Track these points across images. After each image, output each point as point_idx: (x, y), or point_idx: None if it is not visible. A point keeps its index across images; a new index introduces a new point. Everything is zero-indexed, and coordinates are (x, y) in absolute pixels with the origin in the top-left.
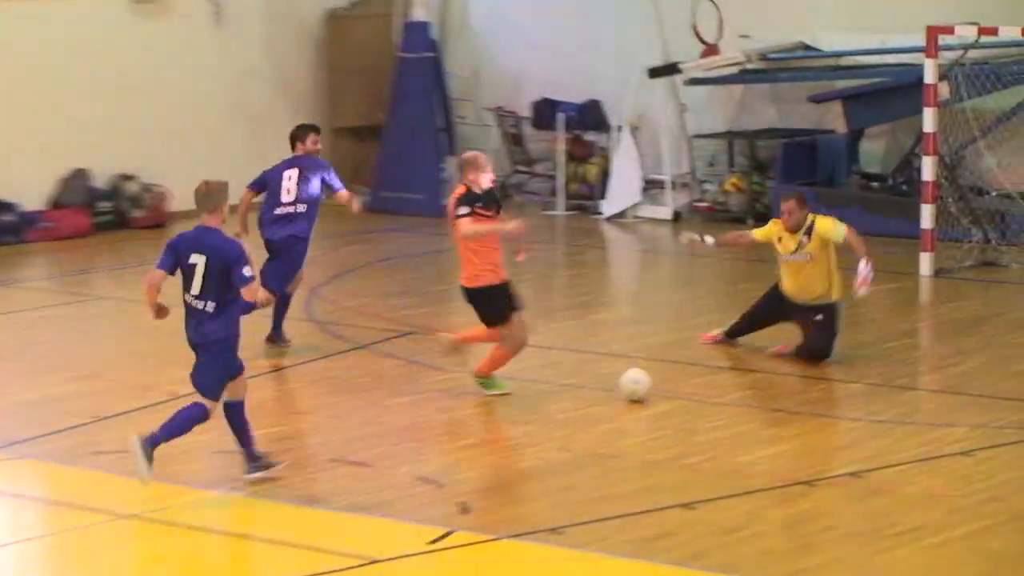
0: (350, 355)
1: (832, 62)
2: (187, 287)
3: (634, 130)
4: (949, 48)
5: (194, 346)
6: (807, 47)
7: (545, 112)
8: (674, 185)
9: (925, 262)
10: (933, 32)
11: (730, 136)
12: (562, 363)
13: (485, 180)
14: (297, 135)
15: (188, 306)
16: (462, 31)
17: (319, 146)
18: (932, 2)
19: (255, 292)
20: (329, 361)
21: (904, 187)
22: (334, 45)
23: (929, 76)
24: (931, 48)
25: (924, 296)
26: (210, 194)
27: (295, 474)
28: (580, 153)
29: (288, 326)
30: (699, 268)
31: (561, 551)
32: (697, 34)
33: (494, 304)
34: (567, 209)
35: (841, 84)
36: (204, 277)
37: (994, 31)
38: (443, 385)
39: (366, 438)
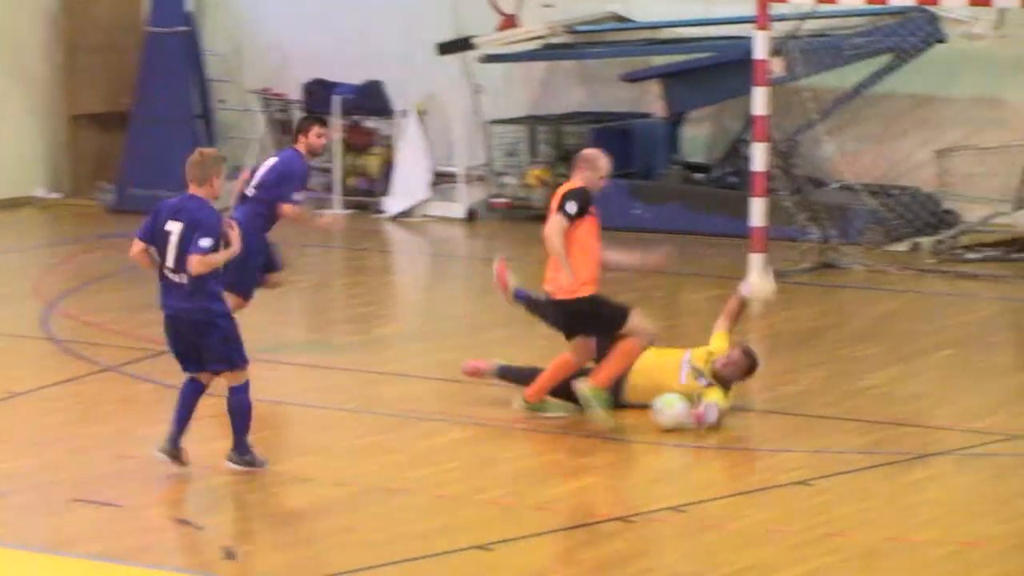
0: (94, 378)
1: (649, 35)
2: (163, 258)
3: (421, 115)
4: (783, 18)
5: (176, 325)
6: (620, 18)
7: (318, 95)
8: (468, 179)
9: (756, 264)
10: (763, 2)
11: (532, 121)
12: (341, 385)
13: (600, 184)
14: (299, 127)
15: (165, 280)
16: (221, 3)
17: (323, 140)
18: None
19: (204, 264)
20: (70, 385)
21: (731, 179)
22: (72, 19)
23: (760, 51)
24: (762, 18)
25: (754, 303)
26: (202, 163)
27: (34, 517)
28: (359, 143)
29: (20, 345)
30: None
31: None
32: (493, 3)
33: (604, 308)
34: (345, 207)
35: (659, 60)
36: (178, 246)
37: (833, 0)
38: (205, 412)
39: (114, 475)
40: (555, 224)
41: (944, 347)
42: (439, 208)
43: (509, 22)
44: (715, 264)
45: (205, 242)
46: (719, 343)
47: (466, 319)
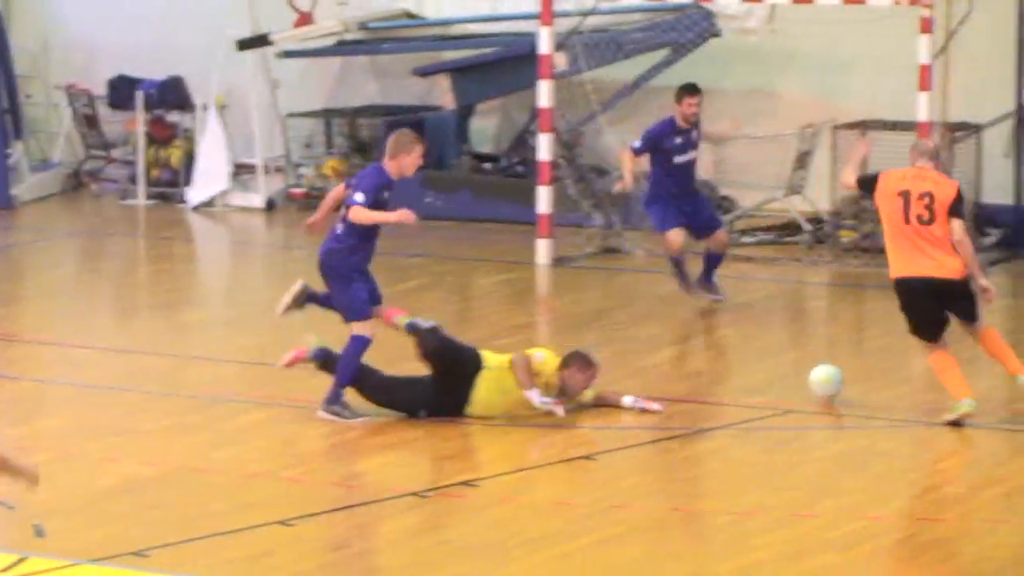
0: None
1: (439, 31)
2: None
3: (221, 109)
4: (566, 14)
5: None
6: (411, 15)
7: (122, 90)
8: (267, 170)
9: (542, 250)
10: None
11: (328, 115)
12: (148, 369)
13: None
14: None
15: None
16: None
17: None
18: None
19: (357, 215)
20: None
21: (519, 168)
22: None
23: (544, 45)
24: (546, 14)
25: (541, 287)
26: (394, 140)
27: None
28: (161, 135)
29: None
30: (295, 263)
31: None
32: (290, 1)
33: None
34: (149, 198)
35: (449, 55)
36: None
37: None
38: (15, 395)
39: None
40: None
41: (721, 327)
42: (239, 198)
43: (305, 19)
44: (504, 249)
45: (359, 196)
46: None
47: (266, 305)
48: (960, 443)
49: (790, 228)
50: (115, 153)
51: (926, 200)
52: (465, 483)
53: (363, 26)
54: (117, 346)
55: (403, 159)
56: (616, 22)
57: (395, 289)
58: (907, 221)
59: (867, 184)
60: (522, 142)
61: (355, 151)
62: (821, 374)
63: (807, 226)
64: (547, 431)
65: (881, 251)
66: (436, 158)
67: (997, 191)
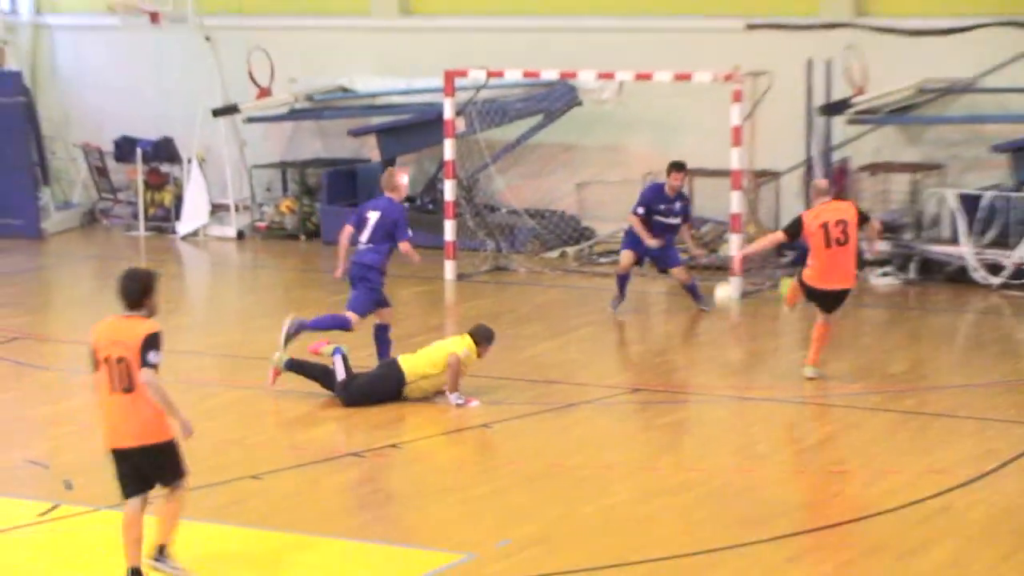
0: None
1: (368, 101)
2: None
3: (201, 162)
4: (464, 88)
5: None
6: (346, 89)
7: (125, 147)
8: (237, 208)
9: (449, 268)
10: (450, 75)
11: (283, 166)
12: None
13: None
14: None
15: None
16: (51, 78)
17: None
18: (447, 51)
19: (407, 249)
20: None
21: (430, 206)
22: None
23: (448, 112)
24: (448, 88)
25: (449, 296)
26: (387, 175)
27: None
28: (156, 182)
29: None
30: (260, 279)
31: (151, 518)
32: (252, 79)
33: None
34: (147, 230)
35: (376, 120)
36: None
37: (500, 74)
38: (47, 382)
39: None
40: None
41: (585, 326)
42: (216, 230)
43: (264, 93)
44: (420, 268)
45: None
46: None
47: (237, 311)
48: (767, 413)
49: None
50: (121, 196)
51: (842, 226)
52: (392, 446)
53: (309, 98)
54: None
55: (398, 187)
56: (502, 95)
57: (336, 299)
58: (828, 245)
59: (793, 229)
60: (432, 186)
61: (304, 193)
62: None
63: None
64: (454, 407)
65: (706, 267)
66: (366, 198)
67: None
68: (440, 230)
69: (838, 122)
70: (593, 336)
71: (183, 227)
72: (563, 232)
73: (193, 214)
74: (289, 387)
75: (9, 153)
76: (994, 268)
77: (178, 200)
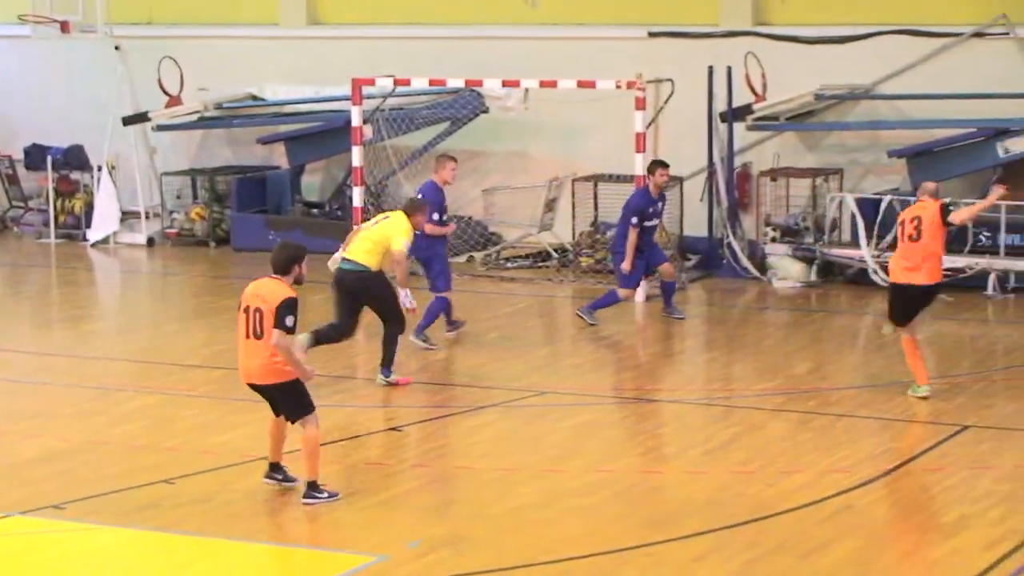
0: None
1: (276, 110)
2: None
3: (112, 169)
4: (371, 97)
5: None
6: (255, 97)
7: (36, 155)
8: (148, 215)
9: None
10: (358, 83)
11: (193, 173)
12: (59, 367)
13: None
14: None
15: None
16: None
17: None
18: (354, 59)
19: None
20: None
21: (339, 212)
22: None
23: (355, 120)
24: (356, 96)
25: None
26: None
27: None
28: (67, 189)
29: None
30: (170, 285)
31: (63, 523)
32: (162, 87)
33: None
34: (58, 237)
35: (284, 128)
36: None
37: (407, 82)
38: None
39: None
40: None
41: (493, 330)
42: (127, 237)
43: (175, 101)
44: (329, 273)
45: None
46: None
47: (149, 316)
48: (672, 416)
49: (542, 255)
50: (31, 203)
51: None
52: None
53: (219, 106)
54: (34, 349)
55: (442, 172)
56: (409, 102)
57: None
58: (903, 240)
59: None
60: (341, 192)
61: (214, 200)
62: None
63: (554, 254)
64: (365, 410)
65: (610, 271)
66: (275, 205)
67: (695, 226)
68: (347, 236)
69: (739, 128)
70: (499, 341)
71: (94, 234)
72: (470, 238)
73: (103, 221)
74: (203, 391)
75: None
76: None
77: (88, 207)
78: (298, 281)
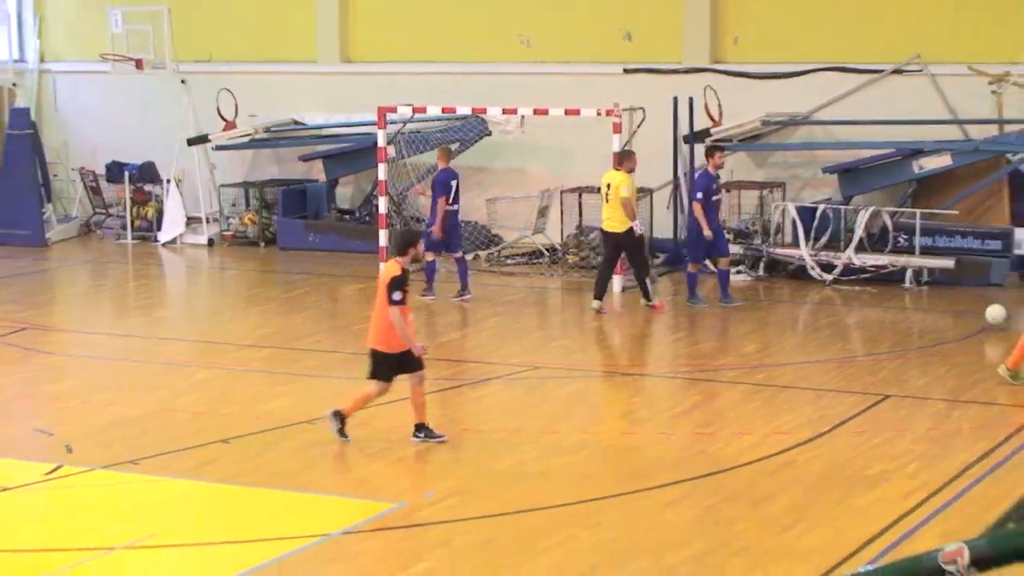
0: None
1: (315, 133)
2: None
3: (178, 182)
4: (393, 122)
5: None
6: (297, 122)
7: (115, 170)
8: (208, 220)
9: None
10: (382, 111)
11: (246, 185)
12: (134, 346)
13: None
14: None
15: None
16: (53, 114)
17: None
18: (380, 91)
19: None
20: None
21: (367, 218)
22: None
23: (380, 141)
24: (380, 121)
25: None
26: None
27: None
28: (141, 199)
29: None
30: (226, 280)
31: (138, 476)
32: (220, 114)
33: None
34: (133, 239)
35: (321, 147)
36: None
37: (423, 110)
38: (50, 365)
39: None
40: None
41: (495, 316)
42: (191, 238)
43: (230, 125)
44: (358, 269)
45: None
46: None
47: (209, 305)
48: (645, 387)
49: (536, 254)
50: (111, 210)
51: None
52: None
53: (267, 129)
54: (114, 332)
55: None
56: (425, 127)
57: (290, 295)
58: None
59: None
60: (368, 202)
61: (263, 208)
62: (995, 311)
63: (546, 253)
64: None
65: (593, 267)
66: (314, 212)
67: (663, 230)
68: (375, 238)
69: (699, 148)
70: (501, 324)
71: (163, 236)
72: (476, 239)
73: (171, 225)
74: (252, 367)
75: (18, 176)
76: (827, 267)
77: (159, 214)
78: (415, 260)
